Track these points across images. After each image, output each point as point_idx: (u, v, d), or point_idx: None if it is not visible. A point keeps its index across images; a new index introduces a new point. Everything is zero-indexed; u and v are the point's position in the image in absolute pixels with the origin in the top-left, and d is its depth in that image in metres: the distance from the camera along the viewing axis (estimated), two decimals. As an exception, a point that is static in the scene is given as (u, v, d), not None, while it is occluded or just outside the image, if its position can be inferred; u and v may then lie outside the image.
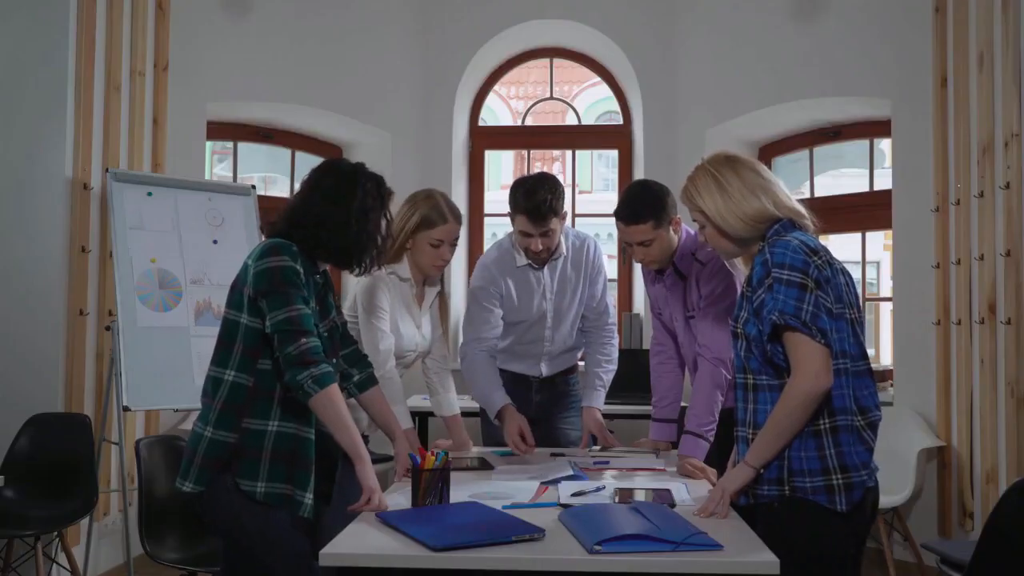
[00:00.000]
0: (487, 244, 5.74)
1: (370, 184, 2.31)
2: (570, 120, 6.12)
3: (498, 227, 5.55)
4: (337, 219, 2.24)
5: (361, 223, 2.26)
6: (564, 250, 3.09)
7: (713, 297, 2.74)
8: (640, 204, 2.74)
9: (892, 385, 4.63)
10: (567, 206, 3.07)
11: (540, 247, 2.96)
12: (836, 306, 1.96)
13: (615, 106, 5.86)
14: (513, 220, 2.98)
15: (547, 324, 3.15)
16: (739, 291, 2.70)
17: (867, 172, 5.16)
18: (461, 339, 3.19)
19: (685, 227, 2.83)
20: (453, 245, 2.92)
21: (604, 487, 2.39)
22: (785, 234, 2.04)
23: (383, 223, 2.32)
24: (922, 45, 4.46)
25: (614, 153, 5.87)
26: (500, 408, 2.93)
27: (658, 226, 2.72)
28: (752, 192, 2.08)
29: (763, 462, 1.99)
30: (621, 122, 5.78)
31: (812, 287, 1.94)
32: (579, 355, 3.35)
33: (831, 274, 1.98)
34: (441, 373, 3.09)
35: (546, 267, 3.08)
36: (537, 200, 2.86)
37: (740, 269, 2.28)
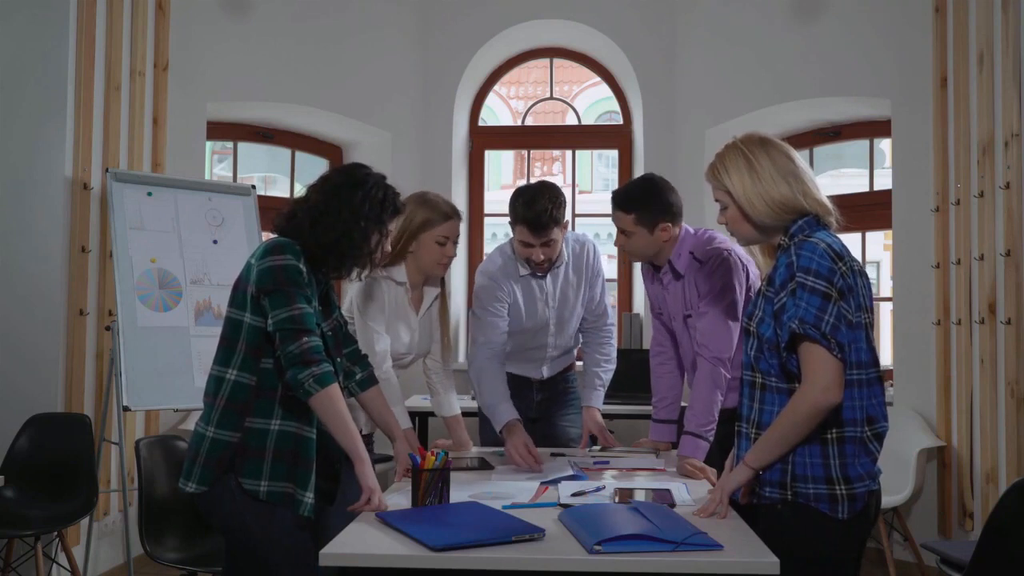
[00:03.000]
0: (487, 244, 5.75)
1: (376, 193, 2.28)
2: (570, 120, 6.12)
3: (498, 227, 5.55)
4: (328, 216, 2.23)
5: (349, 226, 2.23)
6: (565, 256, 3.08)
7: (711, 297, 2.72)
8: (632, 194, 2.75)
9: (892, 385, 4.63)
10: (567, 207, 3.05)
11: (541, 257, 2.93)
12: (855, 314, 1.93)
13: (615, 106, 5.86)
14: (513, 229, 2.95)
15: (550, 331, 3.14)
16: (738, 288, 2.71)
17: (867, 172, 5.16)
18: (463, 343, 3.18)
19: (686, 226, 2.82)
20: (455, 242, 2.91)
21: (604, 487, 2.39)
22: (811, 234, 1.99)
23: (374, 237, 2.29)
24: (922, 45, 4.46)
25: (614, 153, 5.87)
26: (506, 422, 2.88)
27: (639, 222, 2.71)
28: (783, 178, 2.02)
29: (762, 465, 1.98)
30: (621, 122, 5.79)
31: (836, 297, 1.90)
32: (576, 352, 3.35)
33: (853, 281, 1.94)
34: (441, 374, 3.09)
35: (548, 275, 3.07)
36: (537, 210, 2.83)
37: (756, 256, 2.24)
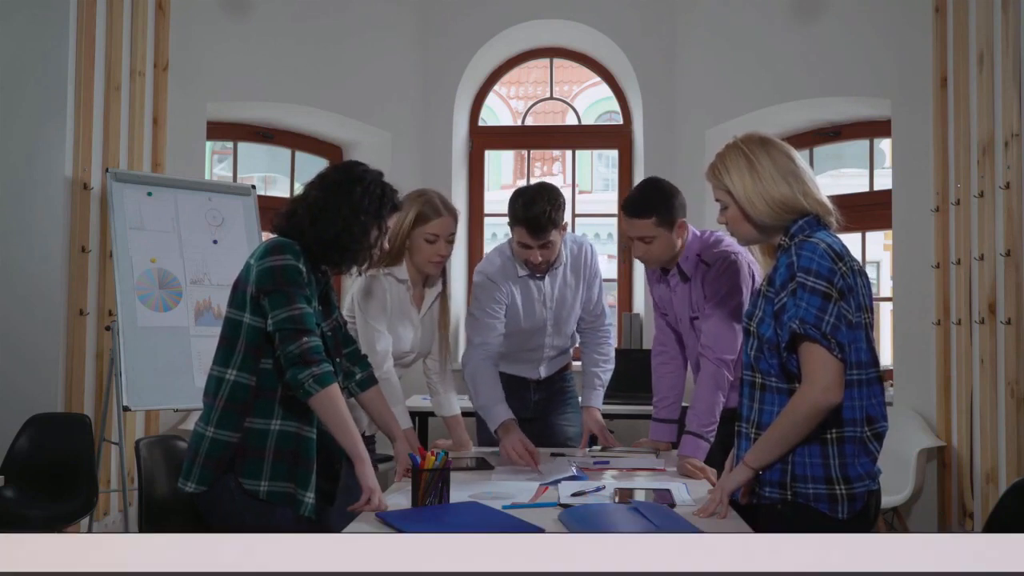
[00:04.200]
0: (487, 244, 5.74)
1: (374, 189, 2.29)
2: (570, 120, 6.11)
3: (498, 227, 5.56)
4: (328, 212, 2.24)
5: (349, 221, 2.24)
6: (564, 257, 3.07)
7: (717, 299, 2.72)
8: (646, 199, 2.72)
9: (892, 385, 4.63)
10: (567, 208, 3.05)
11: (539, 259, 2.93)
12: (855, 314, 1.94)
13: (615, 106, 5.86)
14: (512, 231, 2.95)
15: (547, 332, 3.14)
16: (745, 291, 2.70)
17: (867, 172, 5.16)
18: (462, 343, 3.18)
19: (693, 228, 2.82)
20: (449, 242, 2.88)
21: (604, 487, 2.39)
22: (811, 234, 1.99)
23: (374, 232, 2.30)
24: (922, 45, 4.46)
25: (614, 153, 5.87)
26: (502, 422, 2.88)
27: (660, 224, 2.70)
28: (783, 177, 2.02)
29: (762, 465, 1.98)
30: (621, 122, 5.79)
31: (836, 297, 1.90)
32: (573, 352, 3.36)
33: (853, 281, 1.94)
34: (442, 373, 3.09)
35: (547, 276, 3.07)
36: (536, 212, 2.82)
37: (756, 256, 2.24)
